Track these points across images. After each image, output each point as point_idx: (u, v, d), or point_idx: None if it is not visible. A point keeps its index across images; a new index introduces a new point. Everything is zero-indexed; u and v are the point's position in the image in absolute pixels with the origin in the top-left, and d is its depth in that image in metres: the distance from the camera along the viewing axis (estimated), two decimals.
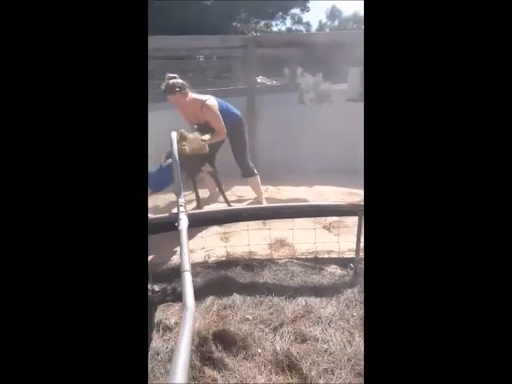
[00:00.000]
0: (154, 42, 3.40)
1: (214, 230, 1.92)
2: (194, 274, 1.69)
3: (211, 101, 2.41)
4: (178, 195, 1.69)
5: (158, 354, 1.21)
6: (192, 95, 2.39)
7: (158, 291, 1.58)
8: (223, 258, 1.79)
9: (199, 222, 1.81)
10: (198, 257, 1.81)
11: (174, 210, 1.56)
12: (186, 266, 1.11)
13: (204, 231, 1.83)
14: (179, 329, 0.83)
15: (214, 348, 1.20)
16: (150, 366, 1.16)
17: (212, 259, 1.79)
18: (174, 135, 2.06)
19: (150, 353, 1.21)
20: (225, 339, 1.24)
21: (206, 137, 2.33)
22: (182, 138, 2.16)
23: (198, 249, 1.85)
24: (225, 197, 2.61)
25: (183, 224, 1.45)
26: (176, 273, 1.70)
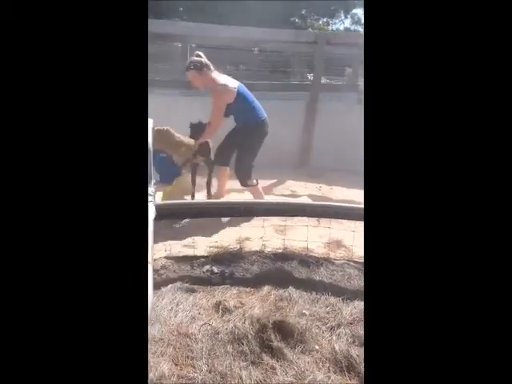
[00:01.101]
0: (220, 31, 3.46)
1: (272, 221, 1.93)
2: (251, 262, 1.72)
3: (226, 87, 2.21)
4: (148, 184, 1.62)
5: (218, 334, 1.24)
6: (212, 75, 2.22)
7: (217, 273, 1.62)
8: (280, 251, 1.80)
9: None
10: (256, 245, 1.83)
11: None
12: (148, 258, 1.05)
13: (265, 221, 1.85)
14: None
15: (273, 337, 1.22)
16: (210, 344, 1.20)
17: (268, 250, 1.80)
18: (150, 123, 1.98)
19: (210, 332, 1.25)
20: (283, 330, 1.25)
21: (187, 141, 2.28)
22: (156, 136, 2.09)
23: (256, 238, 1.87)
24: (209, 188, 2.56)
25: (150, 214, 1.38)
26: (234, 257, 1.74)
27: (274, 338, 1.21)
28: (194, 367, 1.11)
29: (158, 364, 1.09)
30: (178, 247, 1.79)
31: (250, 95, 2.34)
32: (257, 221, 1.87)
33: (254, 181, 2.46)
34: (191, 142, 2.31)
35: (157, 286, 1.49)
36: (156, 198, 1.53)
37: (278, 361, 1.15)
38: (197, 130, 2.34)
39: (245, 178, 2.40)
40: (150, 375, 1.06)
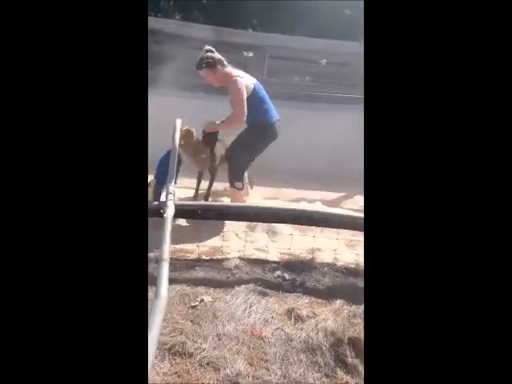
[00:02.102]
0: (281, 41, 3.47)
1: (344, 235, 1.89)
2: (322, 273, 1.70)
3: (243, 80, 2.09)
4: (169, 182, 1.64)
5: (291, 341, 1.24)
6: (226, 70, 2.11)
7: (288, 280, 1.63)
8: (352, 266, 1.75)
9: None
10: (328, 257, 1.80)
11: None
12: (165, 255, 1.08)
13: (339, 234, 1.81)
14: (149, 317, 0.80)
15: (348, 352, 1.18)
16: (283, 349, 1.20)
17: (340, 263, 1.77)
18: (179, 123, 2.00)
19: (283, 338, 1.25)
20: (359, 347, 1.21)
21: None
22: (184, 136, 2.10)
23: (328, 250, 1.84)
24: (207, 195, 2.49)
25: (169, 212, 1.42)
26: (306, 266, 1.73)
27: (349, 354, 1.18)
28: (268, 370, 1.12)
29: (234, 361, 1.12)
30: (250, 249, 1.83)
31: (265, 95, 2.23)
32: (330, 233, 1.84)
33: (241, 184, 2.29)
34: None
35: (230, 285, 1.53)
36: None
37: (353, 378, 1.11)
38: (211, 137, 2.27)
39: (234, 178, 2.26)
40: (227, 371, 1.09)
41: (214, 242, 1.89)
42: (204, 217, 1.67)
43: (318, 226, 1.76)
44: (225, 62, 2.11)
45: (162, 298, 0.88)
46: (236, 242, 1.91)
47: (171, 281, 1.52)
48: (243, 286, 1.52)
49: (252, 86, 2.11)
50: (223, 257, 1.75)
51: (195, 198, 2.46)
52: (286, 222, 1.87)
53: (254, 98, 2.12)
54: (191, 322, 1.30)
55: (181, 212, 1.55)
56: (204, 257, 1.75)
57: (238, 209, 1.74)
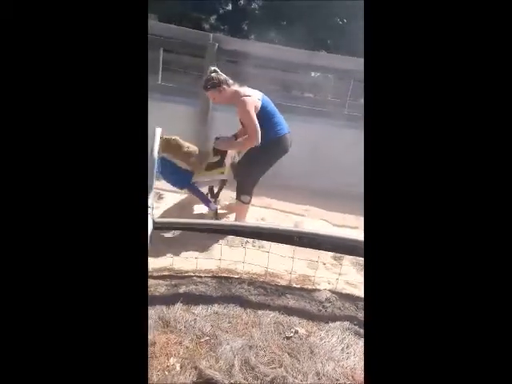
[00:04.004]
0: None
1: None
2: None
3: (250, 98, 2.05)
4: (148, 195, 1.55)
5: None
6: (233, 88, 2.10)
7: None
8: None
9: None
10: None
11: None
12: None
13: None
14: None
15: None
16: None
17: None
18: (158, 132, 1.96)
19: None
20: None
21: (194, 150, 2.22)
22: (165, 145, 2.06)
23: None
24: (217, 193, 2.57)
25: (148, 228, 1.33)
26: None
27: None
28: None
29: None
30: (341, 282, 1.77)
31: (274, 108, 2.18)
32: None
33: (248, 198, 2.27)
34: (196, 151, 2.29)
35: (323, 319, 1.49)
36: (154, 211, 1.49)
37: None
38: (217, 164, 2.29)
39: (242, 191, 2.25)
40: None
41: (301, 269, 1.87)
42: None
43: None
44: (229, 81, 2.10)
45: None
46: (324, 272, 1.87)
47: (264, 306, 1.53)
48: (338, 323, 1.46)
49: (260, 103, 2.09)
50: (313, 287, 1.71)
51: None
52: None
53: (263, 113, 2.09)
54: (288, 354, 1.28)
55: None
56: (294, 284, 1.73)
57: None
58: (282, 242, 1.70)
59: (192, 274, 1.72)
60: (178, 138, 2.19)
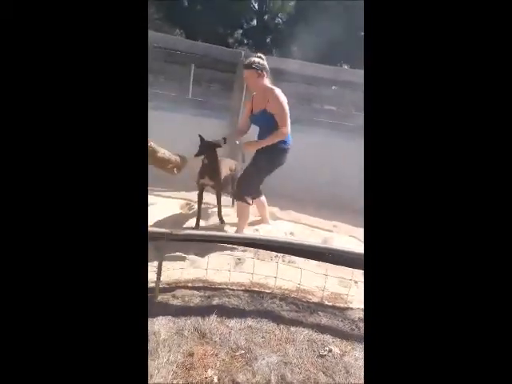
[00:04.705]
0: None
1: None
2: None
3: (282, 94, 2.17)
4: None
5: None
6: (267, 80, 2.21)
7: None
8: None
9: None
10: None
11: None
12: None
13: None
14: None
15: None
16: None
17: None
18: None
19: None
20: None
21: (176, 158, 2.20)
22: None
23: None
24: (220, 214, 2.52)
25: None
26: None
27: None
28: None
29: None
30: None
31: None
32: None
33: (251, 200, 2.31)
34: (177, 158, 2.25)
35: (357, 339, 1.48)
36: None
37: None
38: (207, 147, 2.25)
39: (242, 191, 2.28)
40: None
41: (333, 286, 1.87)
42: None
43: None
44: (268, 73, 2.21)
45: None
46: (355, 290, 1.86)
47: (297, 322, 1.54)
48: None
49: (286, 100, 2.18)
50: (346, 305, 1.71)
51: (197, 222, 2.45)
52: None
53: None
54: (323, 373, 1.28)
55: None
56: (326, 302, 1.73)
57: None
58: (312, 258, 1.71)
59: (225, 287, 1.75)
60: (152, 143, 2.10)
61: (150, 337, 1.37)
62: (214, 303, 1.64)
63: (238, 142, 2.35)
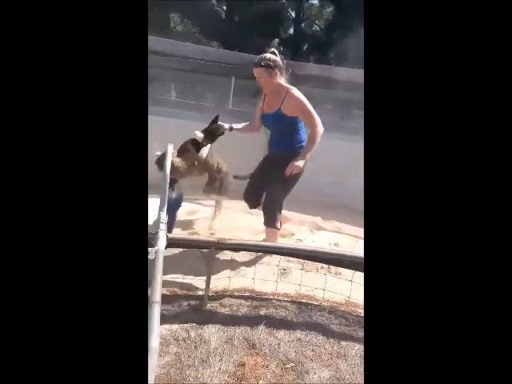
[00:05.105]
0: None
1: None
2: None
3: (299, 92, 1.96)
4: (161, 210, 1.48)
5: None
6: (282, 79, 1.98)
7: None
8: None
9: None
10: None
11: None
12: (156, 297, 0.90)
13: None
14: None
15: None
16: None
17: None
18: (171, 149, 1.87)
19: None
20: None
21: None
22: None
23: None
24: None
25: (160, 244, 1.25)
26: None
27: None
28: None
29: None
30: None
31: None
32: None
33: (279, 224, 2.15)
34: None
35: None
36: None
37: None
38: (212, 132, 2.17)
39: (273, 218, 2.10)
40: None
41: None
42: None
43: None
44: (284, 71, 1.99)
45: (154, 351, 0.75)
46: None
47: (348, 337, 1.50)
48: None
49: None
50: None
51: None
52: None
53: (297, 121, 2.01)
54: None
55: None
56: None
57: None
58: (359, 270, 1.67)
59: (271, 297, 1.75)
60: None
61: (201, 345, 1.39)
62: (261, 313, 1.64)
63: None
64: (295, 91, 1.95)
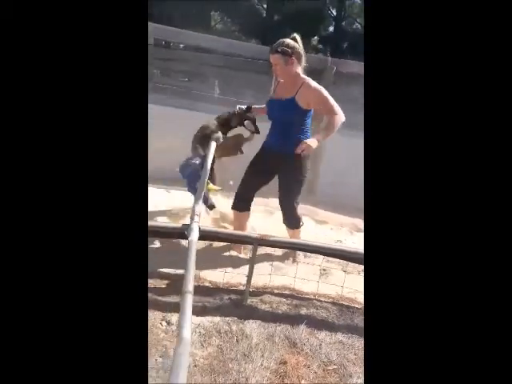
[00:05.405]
0: None
1: None
2: None
3: (316, 83, 1.82)
4: (195, 203, 1.51)
5: None
6: (299, 68, 1.81)
7: None
8: None
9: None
10: None
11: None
12: (189, 286, 0.90)
13: None
14: (173, 367, 0.68)
15: None
16: None
17: None
18: (214, 145, 1.84)
19: None
20: None
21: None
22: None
23: None
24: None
25: (194, 236, 1.27)
26: None
27: None
28: None
29: None
30: None
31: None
32: None
33: (301, 222, 2.05)
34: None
35: None
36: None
37: None
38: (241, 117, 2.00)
39: (295, 219, 2.01)
40: None
41: None
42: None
43: None
44: (303, 59, 1.82)
45: (186, 341, 0.73)
46: None
47: None
48: None
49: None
50: None
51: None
52: None
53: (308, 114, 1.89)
54: None
55: None
56: None
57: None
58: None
59: (312, 297, 1.73)
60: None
61: (243, 339, 1.40)
62: (302, 313, 1.62)
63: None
64: (312, 82, 1.82)
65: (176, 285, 1.64)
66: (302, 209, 2.89)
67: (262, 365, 1.27)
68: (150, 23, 3.47)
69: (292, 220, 2.02)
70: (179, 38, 3.84)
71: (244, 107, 2.09)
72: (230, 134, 2.11)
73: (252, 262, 1.63)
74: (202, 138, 1.98)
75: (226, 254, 2.05)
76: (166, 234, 1.64)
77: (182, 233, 1.41)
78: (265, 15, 12.67)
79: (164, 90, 3.80)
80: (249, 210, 2.07)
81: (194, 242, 1.23)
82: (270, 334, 1.45)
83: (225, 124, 2.05)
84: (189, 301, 0.85)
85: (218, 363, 1.27)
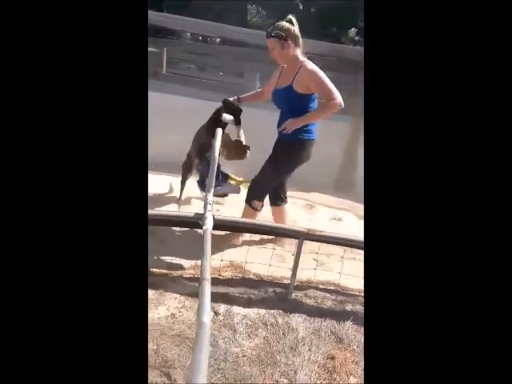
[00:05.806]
0: None
1: None
2: None
3: (314, 65, 1.78)
4: (208, 192, 1.53)
5: None
6: (297, 50, 1.78)
7: None
8: None
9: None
10: None
11: None
12: (206, 274, 0.92)
13: None
14: (194, 351, 0.69)
15: None
16: None
17: None
18: (220, 132, 1.82)
19: None
20: None
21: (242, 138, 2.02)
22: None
23: None
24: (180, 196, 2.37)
25: (208, 224, 1.29)
26: None
27: None
28: None
29: None
30: None
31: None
32: None
33: (259, 206, 1.99)
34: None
35: None
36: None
37: None
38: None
39: (253, 197, 1.97)
40: None
41: None
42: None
43: None
44: (299, 41, 1.79)
45: (206, 326, 0.74)
46: None
47: None
48: None
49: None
50: None
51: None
52: None
53: (311, 100, 1.85)
54: None
55: None
56: None
57: None
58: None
59: (357, 294, 1.70)
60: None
61: (289, 332, 1.40)
62: (347, 309, 1.60)
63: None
64: (309, 64, 1.78)
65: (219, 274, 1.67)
66: (342, 204, 2.84)
67: (309, 359, 1.27)
68: (184, 17, 3.53)
69: (249, 193, 2.01)
70: (215, 31, 3.88)
71: (231, 99, 2.08)
72: (231, 133, 2.12)
73: (298, 256, 1.63)
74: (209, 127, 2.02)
75: (269, 247, 2.06)
76: (179, 222, 1.68)
77: (196, 222, 1.43)
78: (301, 7, 12.48)
79: (202, 84, 3.86)
80: (286, 202, 2.13)
81: (209, 231, 1.26)
82: (315, 328, 1.45)
83: (216, 121, 2.02)
84: (207, 288, 0.88)
85: (265, 354, 1.28)
